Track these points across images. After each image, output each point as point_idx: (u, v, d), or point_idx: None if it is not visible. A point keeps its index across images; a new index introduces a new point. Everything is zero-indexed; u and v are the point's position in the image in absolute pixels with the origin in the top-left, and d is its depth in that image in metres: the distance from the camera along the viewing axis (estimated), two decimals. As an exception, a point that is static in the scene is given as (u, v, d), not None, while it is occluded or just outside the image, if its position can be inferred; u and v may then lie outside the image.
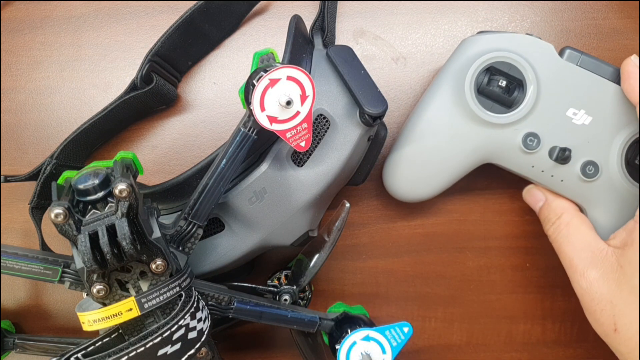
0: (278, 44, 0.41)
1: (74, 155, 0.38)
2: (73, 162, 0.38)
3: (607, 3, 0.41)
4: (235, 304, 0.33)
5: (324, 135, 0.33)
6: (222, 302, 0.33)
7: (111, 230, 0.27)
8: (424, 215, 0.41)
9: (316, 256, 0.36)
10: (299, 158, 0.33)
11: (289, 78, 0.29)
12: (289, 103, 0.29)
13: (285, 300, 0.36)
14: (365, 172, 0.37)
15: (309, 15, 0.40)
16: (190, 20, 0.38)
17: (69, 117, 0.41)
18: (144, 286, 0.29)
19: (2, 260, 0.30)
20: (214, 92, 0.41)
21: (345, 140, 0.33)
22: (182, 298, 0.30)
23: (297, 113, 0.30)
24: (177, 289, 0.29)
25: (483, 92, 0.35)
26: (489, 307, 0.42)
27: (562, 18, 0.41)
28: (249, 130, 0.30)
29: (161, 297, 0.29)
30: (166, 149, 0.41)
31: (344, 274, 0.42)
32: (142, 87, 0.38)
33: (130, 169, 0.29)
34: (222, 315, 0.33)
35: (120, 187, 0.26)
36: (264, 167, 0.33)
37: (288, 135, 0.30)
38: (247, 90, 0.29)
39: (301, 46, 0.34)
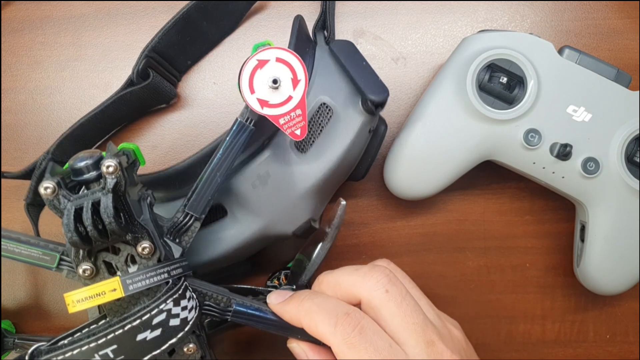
0: (278, 44, 0.41)
1: (70, 151, 0.38)
2: (69, 158, 0.38)
3: (607, 3, 0.41)
4: (234, 307, 0.33)
5: (326, 123, 0.33)
6: (221, 303, 0.33)
7: (97, 205, 0.27)
8: (424, 215, 0.41)
9: (315, 254, 0.36)
10: (302, 146, 0.34)
11: (278, 60, 0.29)
12: (275, 82, 0.28)
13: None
14: (366, 166, 0.37)
15: (308, 15, 0.40)
16: (187, 17, 0.37)
17: (69, 117, 0.41)
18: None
19: (2, 243, 0.29)
20: (214, 92, 0.41)
21: (347, 128, 0.34)
22: (168, 285, 0.29)
23: (290, 98, 0.29)
24: (165, 275, 0.29)
25: (484, 89, 0.35)
26: (489, 307, 0.42)
27: (562, 18, 0.41)
28: (246, 121, 0.30)
29: (147, 281, 0.28)
30: (166, 149, 0.41)
31: (344, 274, 0.42)
32: (139, 82, 0.38)
33: (129, 156, 0.29)
34: (221, 318, 0.33)
35: (108, 164, 0.27)
36: (267, 152, 0.33)
37: (281, 121, 0.29)
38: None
39: (304, 42, 0.35)
